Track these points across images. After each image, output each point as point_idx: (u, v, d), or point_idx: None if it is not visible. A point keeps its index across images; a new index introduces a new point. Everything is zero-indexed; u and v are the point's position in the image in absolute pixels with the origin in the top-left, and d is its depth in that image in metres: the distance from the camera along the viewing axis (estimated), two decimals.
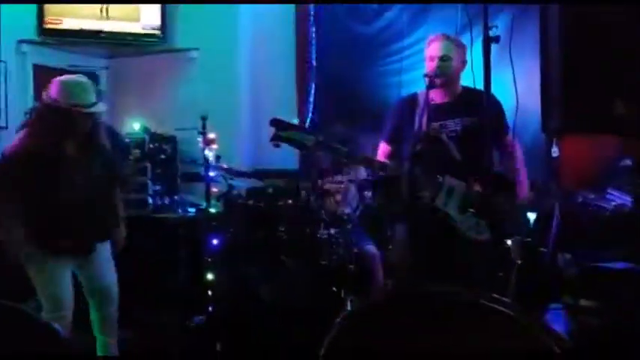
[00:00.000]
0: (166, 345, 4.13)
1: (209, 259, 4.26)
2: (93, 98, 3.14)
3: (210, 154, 4.36)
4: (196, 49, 5.57)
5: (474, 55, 3.05)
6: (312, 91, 5.59)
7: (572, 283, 3.71)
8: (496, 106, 3.26)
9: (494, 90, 2.63)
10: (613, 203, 4.12)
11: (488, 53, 2.54)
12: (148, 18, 5.42)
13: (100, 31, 5.26)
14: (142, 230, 4.81)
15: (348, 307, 3.74)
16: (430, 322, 1.55)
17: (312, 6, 5.61)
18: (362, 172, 4.34)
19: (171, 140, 5.30)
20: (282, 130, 3.13)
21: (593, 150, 4.40)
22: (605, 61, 2.21)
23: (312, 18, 5.60)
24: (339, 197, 4.38)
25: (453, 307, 1.53)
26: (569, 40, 3.41)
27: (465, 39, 3.32)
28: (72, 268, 3.27)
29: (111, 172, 3.35)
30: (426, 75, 3.19)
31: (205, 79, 5.47)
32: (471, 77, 3.08)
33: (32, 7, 5.17)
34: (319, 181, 4.42)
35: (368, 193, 4.46)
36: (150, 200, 5.06)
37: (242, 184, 4.81)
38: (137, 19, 5.40)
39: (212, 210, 4.47)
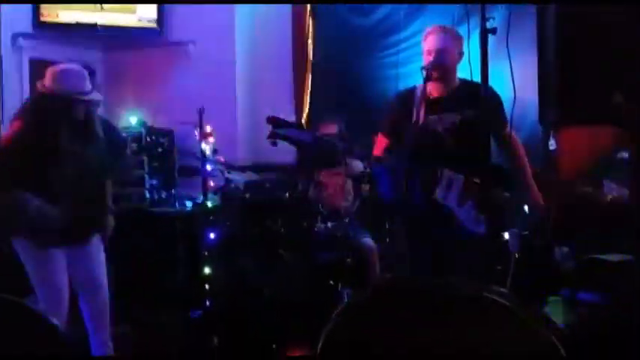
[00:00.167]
0: (163, 339, 4.13)
1: (206, 253, 4.26)
2: (88, 86, 3.13)
3: (206, 148, 4.35)
4: (193, 42, 5.55)
5: (471, 46, 3.04)
6: (309, 84, 5.57)
7: (570, 276, 3.71)
8: (494, 99, 3.25)
9: (491, 82, 2.63)
10: (610, 195, 4.12)
11: (485, 45, 2.53)
12: (145, 11, 5.40)
13: (96, 24, 5.24)
14: (139, 224, 4.81)
15: (345, 300, 3.74)
16: (428, 315, 1.55)
17: None
18: (359, 166, 4.34)
19: (168, 134, 5.29)
20: (278, 128, 3.13)
21: (590, 142, 4.40)
22: (602, 54, 2.20)
23: (309, 11, 5.59)
24: (335, 191, 4.38)
25: (452, 300, 1.53)
26: (567, 32, 3.40)
27: (462, 30, 3.31)
28: (65, 259, 3.26)
29: (103, 162, 3.33)
30: (423, 68, 3.18)
31: (202, 72, 5.45)
32: (467, 69, 3.08)
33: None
34: (316, 175, 4.42)
35: (365, 187, 4.46)
36: (147, 194, 5.05)
37: (239, 178, 4.80)
38: (133, 12, 5.38)
39: (209, 204, 4.46)
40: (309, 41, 5.61)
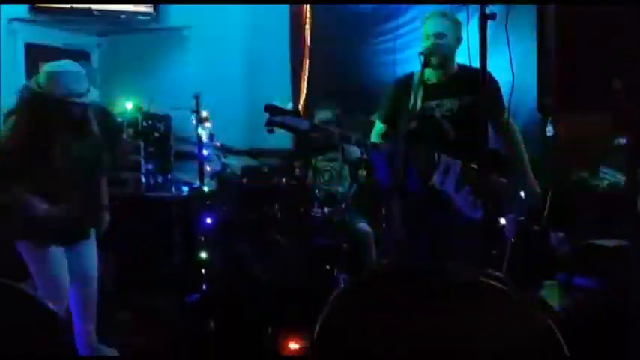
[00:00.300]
0: (160, 324, 4.14)
1: (202, 239, 4.26)
2: (84, 87, 3.08)
3: (203, 133, 4.34)
4: (189, 27, 5.52)
5: (470, 32, 3.03)
6: (307, 70, 5.55)
7: (566, 260, 3.73)
8: (492, 85, 3.24)
9: (490, 68, 2.61)
10: (606, 181, 4.13)
11: (484, 31, 2.51)
12: None
13: (91, 9, 5.20)
14: (135, 209, 4.81)
15: (342, 286, 3.75)
16: (425, 299, 1.55)
17: None
18: (356, 152, 4.34)
19: (165, 119, 5.27)
20: (275, 116, 3.12)
21: (587, 129, 4.40)
22: (601, 41, 2.20)
23: None
24: (332, 177, 4.38)
25: (449, 285, 1.54)
26: (566, 19, 3.40)
27: (461, 16, 3.30)
28: (65, 255, 3.26)
29: (100, 158, 3.32)
30: (421, 53, 3.16)
31: (198, 57, 5.42)
32: (466, 55, 3.06)
33: None
34: (313, 161, 4.41)
35: (362, 172, 4.46)
36: (143, 179, 5.04)
37: (236, 163, 4.80)
38: None
39: (206, 189, 4.46)
40: (307, 27, 5.58)
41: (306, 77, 5.53)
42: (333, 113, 4.47)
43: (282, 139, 5.05)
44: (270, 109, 3.15)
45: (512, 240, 3.00)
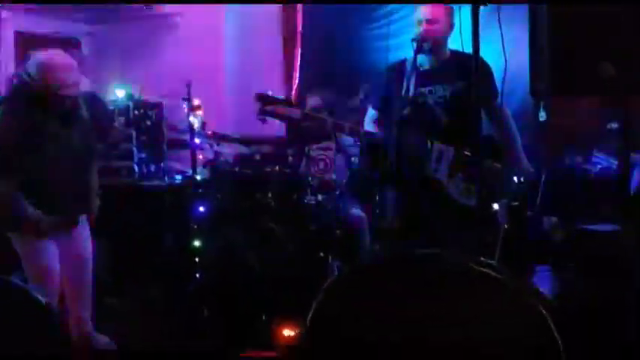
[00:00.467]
0: (154, 312, 4.14)
1: (196, 227, 4.25)
2: (74, 77, 3.06)
3: (195, 121, 4.31)
4: (180, 14, 5.47)
5: (463, 17, 3.01)
6: (299, 56, 5.52)
7: (559, 246, 3.74)
8: (485, 71, 3.23)
9: (482, 53, 2.60)
10: (599, 166, 4.13)
11: (476, 16, 2.50)
12: None
13: None
14: (128, 198, 4.79)
15: (335, 273, 3.76)
16: (418, 286, 1.55)
17: None
18: (349, 140, 4.34)
19: (156, 107, 5.24)
20: (267, 105, 3.10)
21: (580, 113, 4.40)
22: (593, 24, 2.18)
23: None
24: (326, 165, 4.37)
25: (442, 272, 1.53)
26: (558, 2, 3.37)
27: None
28: (56, 244, 3.24)
29: (90, 145, 3.30)
30: (413, 39, 3.15)
31: (189, 44, 5.38)
32: (459, 40, 3.05)
33: None
34: (306, 148, 4.40)
35: (354, 159, 4.45)
36: (136, 168, 5.02)
37: (229, 151, 4.78)
38: None
39: (198, 177, 4.44)
40: (299, 13, 5.54)
41: (297, 64, 5.50)
42: (324, 100, 4.46)
43: (274, 127, 5.04)
44: (261, 98, 3.13)
45: (506, 226, 3.00)
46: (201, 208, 4.29)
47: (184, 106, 4.25)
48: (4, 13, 4.99)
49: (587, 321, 2.52)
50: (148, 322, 3.98)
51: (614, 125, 4.01)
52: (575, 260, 3.35)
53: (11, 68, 4.90)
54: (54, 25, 5.29)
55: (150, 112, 5.17)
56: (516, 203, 3.59)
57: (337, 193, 4.18)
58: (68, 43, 5.24)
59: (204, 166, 4.58)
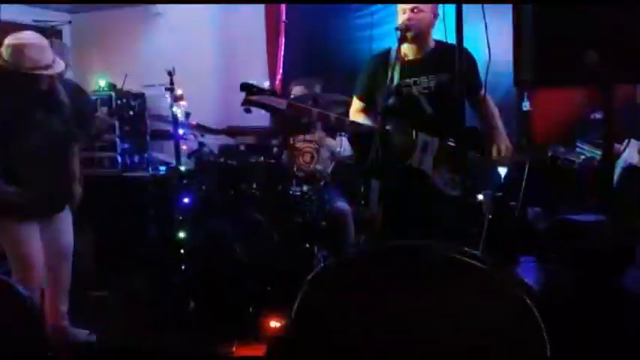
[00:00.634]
0: (139, 304, 4.13)
1: (180, 218, 4.23)
2: (49, 58, 3.02)
3: (178, 111, 4.28)
4: (162, 2, 5.42)
5: (446, 7, 3.00)
6: (282, 46, 5.49)
7: (543, 236, 3.76)
8: (469, 61, 3.23)
9: (466, 43, 2.60)
10: (582, 156, 4.16)
11: (460, 6, 2.49)
12: None
13: None
14: (111, 189, 4.76)
15: (321, 264, 3.75)
16: (403, 277, 1.55)
17: None
18: (334, 146, 4.36)
19: (139, 97, 5.19)
20: (252, 95, 3.08)
21: (563, 104, 4.42)
22: (578, 13, 2.19)
23: None
24: (311, 156, 4.36)
25: (427, 262, 1.53)
26: None
27: None
28: (38, 231, 3.21)
29: (70, 130, 3.27)
30: (397, 28, 3.14)
31: (172, 33, 5.33)
32: (442, 31, 3.05)
33: None
34: (291, 139, 4.39)
35: (340, 150, 4.45)
36: (119, 159, 4.98)
37: (213, 142, 4.75)
38: None
39: (182, 168, 4.41)
40: (283, 2, 5.50)
41: (281, 54, 5.47)
42: (308, 90, 4.44)
43: (259, 117, 5.02)
44: (246, 87, 3.11)
45: (490, 216, 3.01)
46: (186, 199, 4.26)
47: (167, 96, 4.21)
48: None
49: (571, 311, 2.54)
50: (132, 314, 3.97)
51: (598, 115, 4.03)
52: (558, 250, 3.37)
53: None
54: (35, 14, 5.22)
55: (132, 103, 5.12)
56: (500, 194, 3.60)
57: (322, 184, 4.17)
58: (49, 33, 5.17)
59: (188, 157, 4.55)
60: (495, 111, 3.42)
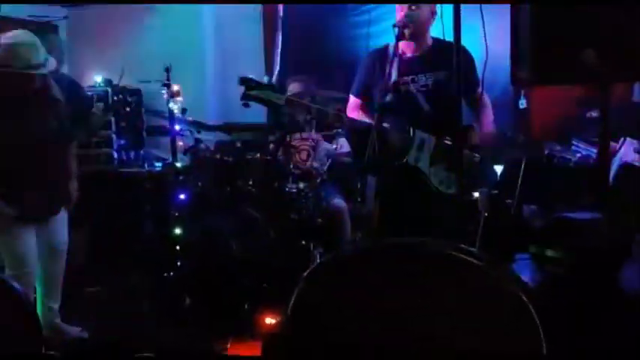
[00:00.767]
0: (135, 301, 4.12)
1: (176, 214, 4.22)
2: (41, 56, 3.01)
3: (175, 107, 4.27)
4: (162, 2, 5.39)
5: (444, 5, 3.00)
6: (280, 43, 5.47)
7: (538, 234, 3.76)
8: (467, 59, 3.23)
9: (464, 41, 2.59)
10: (578, 155, 4.16)
11: (458, 7, 2.49)
12: None
13: None
14: (107, 186, 4.75)
15: (317, 261, 3.75)
16: (399, 274, 1.55)
17: None
18: (331, 151, 4.36)
19: (136, 93, 5.17)
20: (251, 89, 3.08)
21: (560, 102, 4.42)
22: (575, 12, 2.19)
23: None
24: (308, 154, 4.36)
25: (423, 259, 1.53)
26: None
27: None
28: (33, 229, 3.20)
29: (65, 127, 3.25)
30: (394, 25, 3.13)
31: (169, 29, 5.31)
32: (440, 29, 3.05)
33: None
34: (287, 137, 4.38)
35: (337, 147, 4.45)
36: (115, 155, 4.97)
37: (209, 138, 4.74)
38: None
39: (179, 164, 4.40)
40: None
41: (278, 50, 5.45)
42: (304, 86, 4.44)
43: (256, 114, 5.01)
44: (245, 82, 3.11)
45: (486, 214, 3.02)
46: (182, 196, 4.25)
47: (164, 92, 4.20)
48: None
49: (566, 309, 2.54)
50: (127, 310, 3.96)
51: (594, 114, 4.03)
52: (554, 248, 3.37)
53: None
54: (30, 9, 5.19)
55: (129, 99, 5.11)
56: (496, 192, 3.61)
57: (318, 181, 4.17)
58: (45, 28, 5.14)
59: (184, 153, 4.54)
60: (489, 110, 3.41)
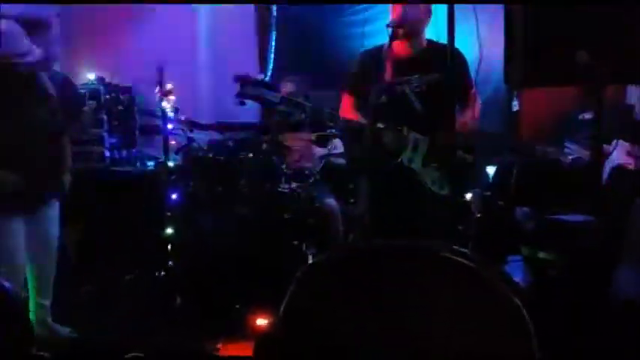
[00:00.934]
0: (126, 300, 4.10)
1: (169, 214, 4.20)
2: (25, 46, 2.99)
3: (167, 106, 4.25)
4: (161, 2, 5.37)
5: (439, 6, 3.00)
6: (273, 42, 5.46)
7: (531, 236, 3.77)
8: (460, 61, 3.23)
9: (457, 42, 2.59)
10: (571, 157, 4.17)
11: (452, 8, 2.49)
12: None
13: None
14: (99, 185, 4.72)
15: (309, 261, 3.74)
16: (391, 275, 1.54)
17: None
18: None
19: (128, 91, 5.15)
20: (247, 87, 3.07)
21: (552, 103, 4.43)
22: (568, 14, 2.19)
23: None
24: (302, 154, 4.35)
25: (415, 260, 1.53)
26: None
27: None
28: (22, 222, 3.17)
29: (57, 119, 3.23)
30: (388, 25, 3.13)
31: (162, 27, 5.29)
32: (435, 31, 3.05)
33: None
34: (280, 137, 4.37)
35: (331, 148, 4.44)
36: (107, 153, 4.94)
37: (202, 137, 4.72)
38: None
39: (171, 163, 4.38)
40: None
41: (272, 49, 5.44)
42: (297, 85, 4.43)
43: (248, 114, 4.99)
44: (241, 79, 3.10)
45: (478, 215, 3.02)
46: (174, 195, 4.24)
47: (156, 90, 4.18)
48: None
49: (559, 311, 2.55)
50: (117, 309, 3.94)
51: (587, 116, 4.04)
52: (546, 250, 3.38)
53: None
54: (22, 6, 5.15)
55: (122, 97, 5.08)
56: (489, 193, 3.61)
57: (311, 181, 4.16)
58: (37, 26, 5.10)
59: (176, 153, 4.52)
60: (477, 105, 3.40)
